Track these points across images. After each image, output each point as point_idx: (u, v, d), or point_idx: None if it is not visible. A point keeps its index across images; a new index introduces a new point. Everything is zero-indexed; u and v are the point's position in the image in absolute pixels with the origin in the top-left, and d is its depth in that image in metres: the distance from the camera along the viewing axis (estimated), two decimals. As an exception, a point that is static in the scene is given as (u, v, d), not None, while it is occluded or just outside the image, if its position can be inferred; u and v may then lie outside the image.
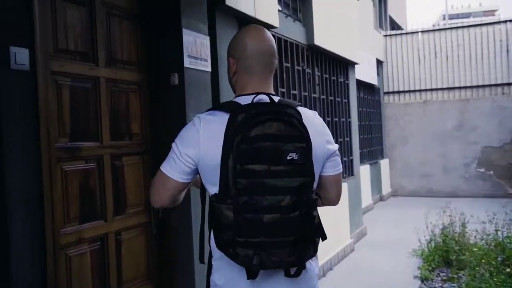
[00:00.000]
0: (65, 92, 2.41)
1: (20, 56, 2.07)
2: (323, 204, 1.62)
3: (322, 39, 5.68)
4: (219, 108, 1.51)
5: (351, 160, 6.98)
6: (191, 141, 1.48)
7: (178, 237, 3.03)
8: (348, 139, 6.91)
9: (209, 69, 3.28)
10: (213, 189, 1.45)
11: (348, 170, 6.88)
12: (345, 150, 6.75)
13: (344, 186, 6.31)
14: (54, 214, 2.25)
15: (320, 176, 1.59)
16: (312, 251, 1.43)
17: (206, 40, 3.27)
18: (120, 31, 2.80)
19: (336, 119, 6.48)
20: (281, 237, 1.35)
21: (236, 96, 1.59)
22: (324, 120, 5.95)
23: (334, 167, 1.61)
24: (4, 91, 2.01)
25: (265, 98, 1.47)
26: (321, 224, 1.49)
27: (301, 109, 1.51)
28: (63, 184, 2.37)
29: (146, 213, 2.94)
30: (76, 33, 2.49)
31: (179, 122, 2.82)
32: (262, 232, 1.34)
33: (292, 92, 5.14)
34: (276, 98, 1.50)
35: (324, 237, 1.49)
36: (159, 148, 2.98)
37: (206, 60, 3.25)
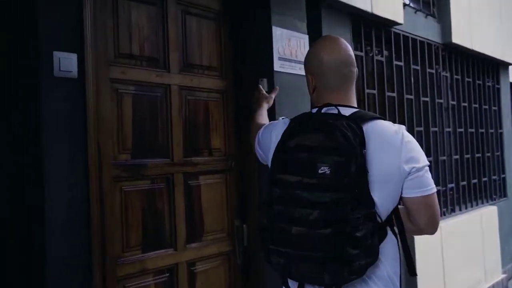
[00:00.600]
0: (127, 101, 2.13)
1: (66, 62, 1.82)
2: (414, 232, 1.52)
3: (462, 36, 4.81)
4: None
5: (503, 179, 5.86)
6: (266, 145, 1.63)
7: (267, 269, 2.56)
8: (498, 153, 5.82)
9: (307, 72, 2.78)
10: None
11: (499, 190, 5.77)
12: (494, 166, 5.69)
13: (493, 209, 5.31)
14: (108, 241, 1.97)
15: (402, 198, 1.44)
16: (347, 274, 1.28)
17: (303, 40, 2.79)
18: (198, 32, 2.46)
19: (482, 130, 5.48)
20: (308, 251, 1.30)
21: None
22: (466, 131, 5.12)
23: (416, 187, 1.41)
24: (47, 102, 1.77)
25: (332, 110, 1.42)
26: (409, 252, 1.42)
27: (373, 124, 1.40)
28: (122, 206, 2.08)
29: (228, 240, 2.54)
30: (142, 35, 2.21)
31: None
32: (290, 243, 1.33)
33: (423, 99, 4.39)
34: (349, 110, 1.44)
35: (412, 272, 1.45)
36: (245, 165, 2.57)
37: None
